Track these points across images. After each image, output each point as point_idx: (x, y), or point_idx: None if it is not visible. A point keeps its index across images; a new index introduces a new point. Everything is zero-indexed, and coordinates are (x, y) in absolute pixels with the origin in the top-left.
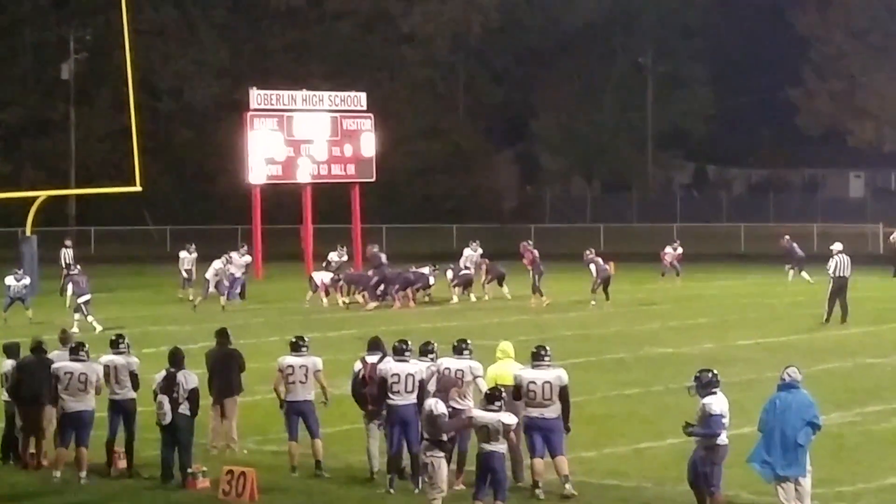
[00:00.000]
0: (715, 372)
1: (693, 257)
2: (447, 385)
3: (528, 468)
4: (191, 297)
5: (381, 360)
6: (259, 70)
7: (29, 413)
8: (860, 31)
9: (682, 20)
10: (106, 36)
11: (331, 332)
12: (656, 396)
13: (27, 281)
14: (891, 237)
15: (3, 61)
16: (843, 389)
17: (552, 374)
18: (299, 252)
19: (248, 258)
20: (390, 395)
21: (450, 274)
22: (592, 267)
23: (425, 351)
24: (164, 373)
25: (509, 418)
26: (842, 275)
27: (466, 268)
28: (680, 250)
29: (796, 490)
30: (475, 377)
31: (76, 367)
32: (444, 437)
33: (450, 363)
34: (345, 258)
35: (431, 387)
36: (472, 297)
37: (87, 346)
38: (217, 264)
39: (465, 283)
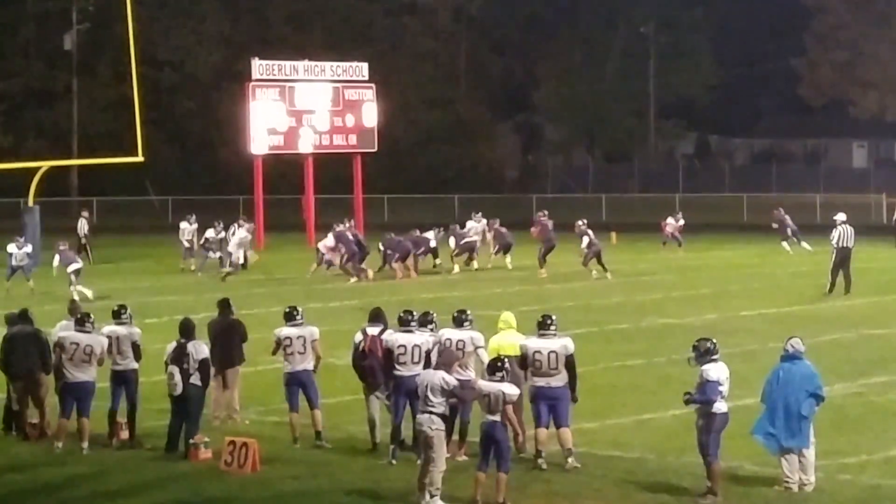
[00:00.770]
0: (713, 341)
1: (695, 228)
2: (450, 360)
3: (531, 439)
4: (193, 268)
5: (382, 331)
6: (260, 40)
7: (24, 385)
8: (862, 0)
9: None
10: (108, 6)
11: (332, 302)
12: (659, 367)
13: (29, 249)
14: None
15: (6, 32)
16: (846, 360)
17: (558, 344)
18: (301, 222)
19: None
20: (397, 367)
21: (451, 243)
22: (585, 238)
23: (425, 322)
24: (174, 344)
25: (511, 389)
26: (845, 245)
27: (471, 238)
28: (682, 221)
29: (800, 462)
30: (476, 348)
31: (82, 338)
32: (445, 409)
33: (451, 334)
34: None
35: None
36: (475, 266)
37: (92, 317)
38: (209, 233)
39: (468, 250)
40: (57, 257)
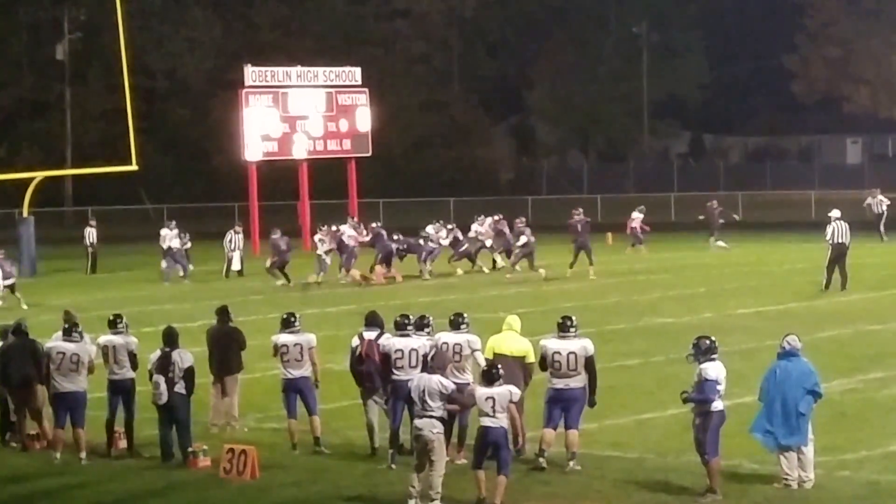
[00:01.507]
0: (713, 339)
1: (690, 226)
2: (443, 362)
3: (531, 440)
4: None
5: (379, 335)
6: (253, 47)
7: (21, 396)
8: None
9: None
10: (99, 15)
11: (329, 307)
12: (657, 367)
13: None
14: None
15: None
16: (843, 357)
17: (577, 345)
18: (296, 228)
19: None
20: (394, 371)
21: (450, 249)
22: (522, 238)
23: (421, 325)
24: (158, 352)
25: (515, 389)
26: (840, 241)
27: (478, 239)
28: (640, 217)
29: (799, 459)
30: (473, 351)
31: (69, 347)
32: (445, 414)
33: (447, 337)
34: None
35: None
36: (485, 270)
37: (80, 326)
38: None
39: (466, 256)
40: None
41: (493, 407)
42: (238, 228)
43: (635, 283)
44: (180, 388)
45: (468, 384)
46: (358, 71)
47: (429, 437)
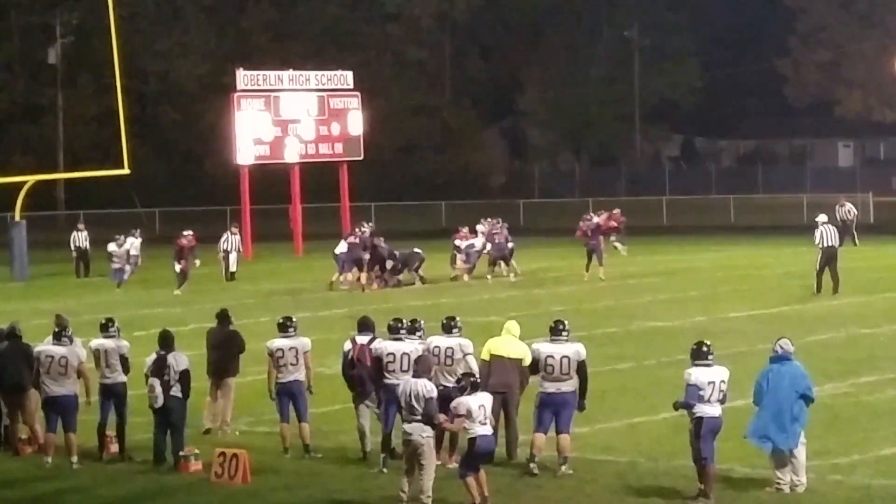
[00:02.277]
0: (705, 343)
1: (683, 230)
2: (427, 366)
3: (524, 444)
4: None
5: (371, 340)
6: (244, 51)
7: (13, 400)
8: (845, 0)
9: None
10: (91, 19)
11: (321, 311)
12: (649, 371)
13: None
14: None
15: None
16: (835, 360)
17: (571, 349)
18: (288, 232)
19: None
20: (386, 375)
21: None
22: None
23: (412, 329)
24: (154, 355)
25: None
26: (830, 245)
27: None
28: (598, 219)
29: (791, 463)
30: (465, 355)
31: (57, 350)
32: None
33: (440, 341)
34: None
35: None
36: (505, 272)
37: (70, 330)
38: (111, 247)
39: (501, 258)
40: None
41: (485, 414)
42: (234, 229)
43: (627, 287)
44: (176, 391)
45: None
46: (350, 75)
47: (418, 441)
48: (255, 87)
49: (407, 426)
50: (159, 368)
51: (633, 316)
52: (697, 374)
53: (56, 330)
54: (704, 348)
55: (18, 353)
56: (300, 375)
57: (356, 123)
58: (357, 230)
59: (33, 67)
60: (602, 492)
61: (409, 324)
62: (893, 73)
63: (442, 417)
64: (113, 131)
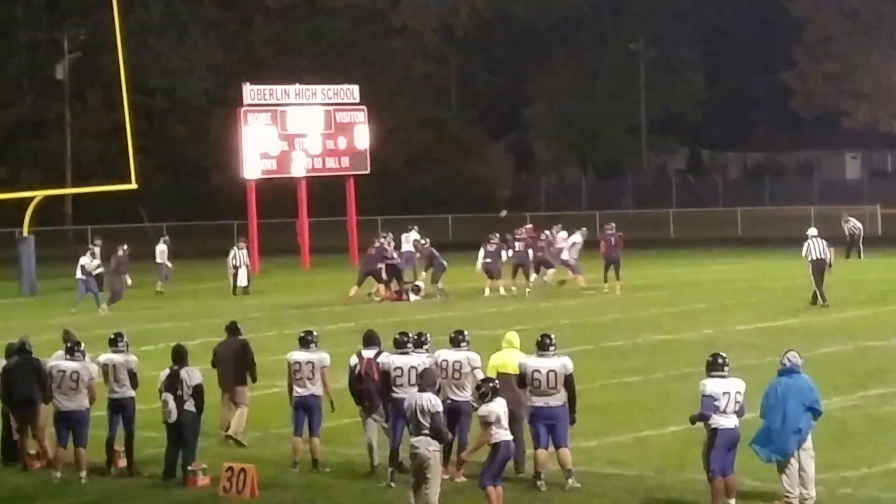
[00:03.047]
0: (721, 355)
1: (690, 242)
2: (432, 380)
3: (530, 458)
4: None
5: (377, 354)
6: (251, 65)
7: (24, 415)
8: (852, 11)
9: (674, 4)
10: (98, 35)
11: (329, 325)
12: (656, 384)
13: None
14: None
15: None
16: (844, 373)
17: (557, 363)
18: (295, 246)
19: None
20: (393, 389)
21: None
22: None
23: (419, 343)
24: (167, 370)
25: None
26: (819, 257)
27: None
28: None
29: (800, 476)
30: (473, 368)
31: (69, 365)
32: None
33: (447, 355)
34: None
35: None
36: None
37: (83, 345)
38: (83, 260)
39: (542, 263)
40: None
41: (507, 420)
42: (242, 244)
43: (634, 300)
44: (190, 405)
45: (468, 401)
46: (356, 89)
47: (424, 454)
48: (262, 102)
49: (414, 440)
50: (172, 383)
51: (641, 329)
52: (712, 385)
53: (68, 345)
54: (720, 360)
55: (28, 367)
56: (317, 390)
57: (363, 137)
58: (376, 242)
59: (41, 83)
60: None
61: (416, 337)
62: None
63: (485, 436)
64: (120, 146)
